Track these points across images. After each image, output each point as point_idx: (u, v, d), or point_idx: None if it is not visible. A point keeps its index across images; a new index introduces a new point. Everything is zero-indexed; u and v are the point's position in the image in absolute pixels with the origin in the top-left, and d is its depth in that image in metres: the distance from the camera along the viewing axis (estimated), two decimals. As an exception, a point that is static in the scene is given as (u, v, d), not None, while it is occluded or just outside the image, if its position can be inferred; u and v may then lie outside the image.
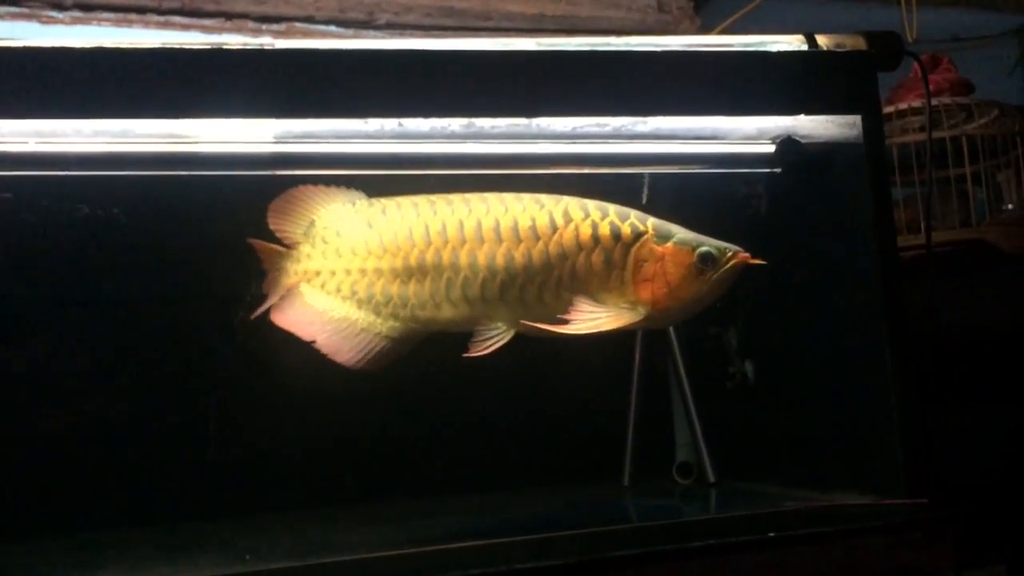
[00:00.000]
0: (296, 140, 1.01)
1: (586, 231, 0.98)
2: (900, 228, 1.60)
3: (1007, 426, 1.57)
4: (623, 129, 1.07)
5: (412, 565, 0.91)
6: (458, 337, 1.02)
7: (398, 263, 0.99)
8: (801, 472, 1.20)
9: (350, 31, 1.74)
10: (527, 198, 1.00)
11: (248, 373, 1.25)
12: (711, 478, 1.28)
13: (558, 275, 0.98)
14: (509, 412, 1.33)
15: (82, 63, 0.89)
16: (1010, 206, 1.74)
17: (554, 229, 0.98)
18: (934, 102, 1.63)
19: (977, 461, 1.50)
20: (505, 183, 1.04)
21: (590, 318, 0.97)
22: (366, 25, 1.77)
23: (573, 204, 1.00)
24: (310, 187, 1.01)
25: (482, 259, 0.98)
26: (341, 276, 1.00)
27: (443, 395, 1.28)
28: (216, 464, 1.23)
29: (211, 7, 1.65)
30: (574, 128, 1.06)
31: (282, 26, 1.69)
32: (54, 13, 1.56)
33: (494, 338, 0.98)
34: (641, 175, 1.23)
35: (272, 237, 1.04)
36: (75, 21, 1.57)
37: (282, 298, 1.02)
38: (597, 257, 0.98)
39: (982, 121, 1.66)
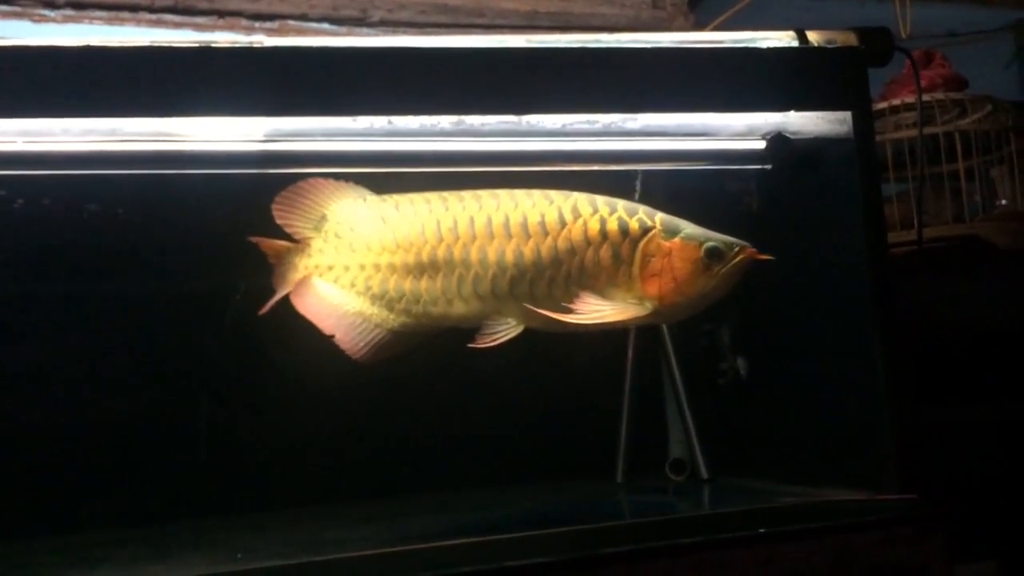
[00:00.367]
0: (285, 138, 1.01)
1: (594, 226, 0.99)
2: (894, 224, 1.60)
3: (999, 422, 1.57)
4: (613, 126, 1.07)
5: (404, 563, 0.92)
6: (451, 335, 1.02)
7: (411, 259, 0.99)
8: (793, 468, 1.21)
9: (344, 29, 1.74)
10: (537, 194, 1.01)
11: (239, 371, 1.25)
12: (704, 474, 1.29)
13: (567, 270, 0.99)
14: (502, 409, 1.33)
15: (70, 62, 0.89)
16: (1003, 201, 1.74)
17: (563, 224, 0.99)
18: (927, 98, 1.63)
19: (969, 457, 1.50)
20: (495, 180, 1.04)
21: (595, 310, 0.97)
22: (360, 23, 1.77)
23: (582, 200, 1.01)
24: (320, 180, 1.02)
25: (492, 255, 0.99)
26: (355, 271, 1.00)
27: (436, 392, 1.28)
28: (208, 462, 1.23)
29: (204, 5, 1.65)
30: (564, 125, 1.06)
31: (275, 24, 1.69)
32: (46, 11, 1.56)
33: (501, 332, 0.98)
34: (633, 172, 1.23)
35: (270, 233, 1.03)
36: (67, 19, 1.56)
37: (301, 288, 1.02)
38: (605, 252, 0.99)
39: (975, 117, 1.66)
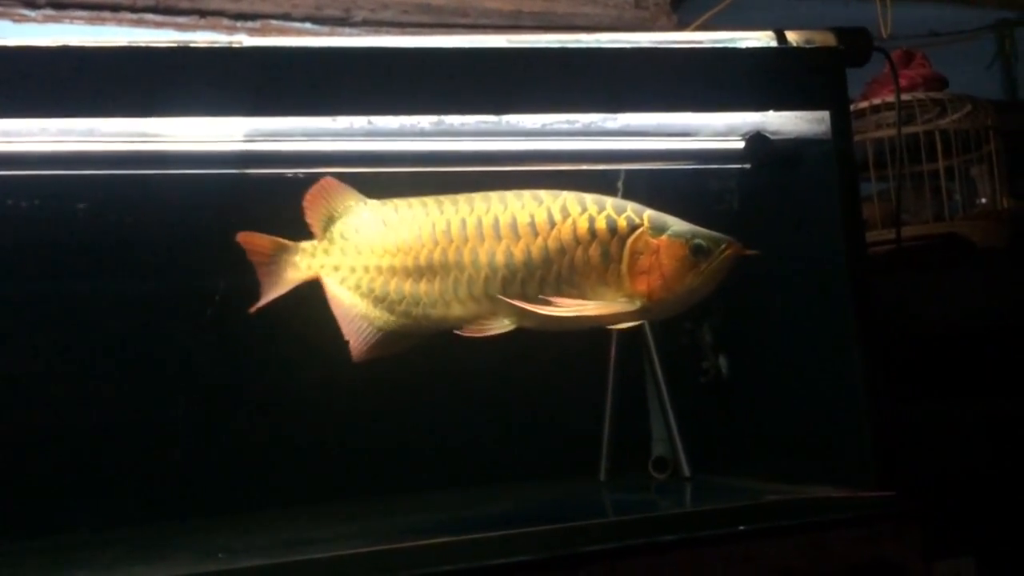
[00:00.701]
0: (265, 138, 1.01)
1: (583, 225, 1.00)
2: (875, 223, 1.60)
3: (977, 419, 1.58)
4: (593, 126, 1.07)
5: (385, 562, 0.91)
6: (437, 335, 1.03)
7: (410, 262, 1.01)
8: (774, 466, 1.21)
9: (326, 28, 1.74)
10: (527, 195, 1.02)
11: (221, 370, 1.25)
12: (686, 473, 1.29)
13: (556, 270, 1.00)
14: (485, 408, 1.33)
15: (48, 62, 0.89)
16: (983, 200, 1.74)
17: (552, 225, 1.00)
18: (908, 97, 1.64)
19: (946, 453, 1.51)
20: (475, 180, 1.04)
21: (580, 303, 0.99)
22: (342, 22, 1.76)
23: (571, 199, 1.01)
24: (332, 181, 1.03)
25: (483, 257, 1.00)
26: (360, 273, 1.02)
27: (418, 392, 1.28)
28: (189, 463, 1.23)
29: (185, 4, 1.64)
30: (544, 125, 1.06)
31: (257, 23, 1.69)
32: (26, 11, 1.55)
33: (490, 324, 1.00)
34: (616, 172, 1.23)
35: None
36: (47, 19, 1.56)
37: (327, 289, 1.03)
38: (594, 251, 1.00)
39: (955, 116, 1.67)
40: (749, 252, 1.01)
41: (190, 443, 1.23)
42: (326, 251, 1.03)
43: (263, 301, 1.03)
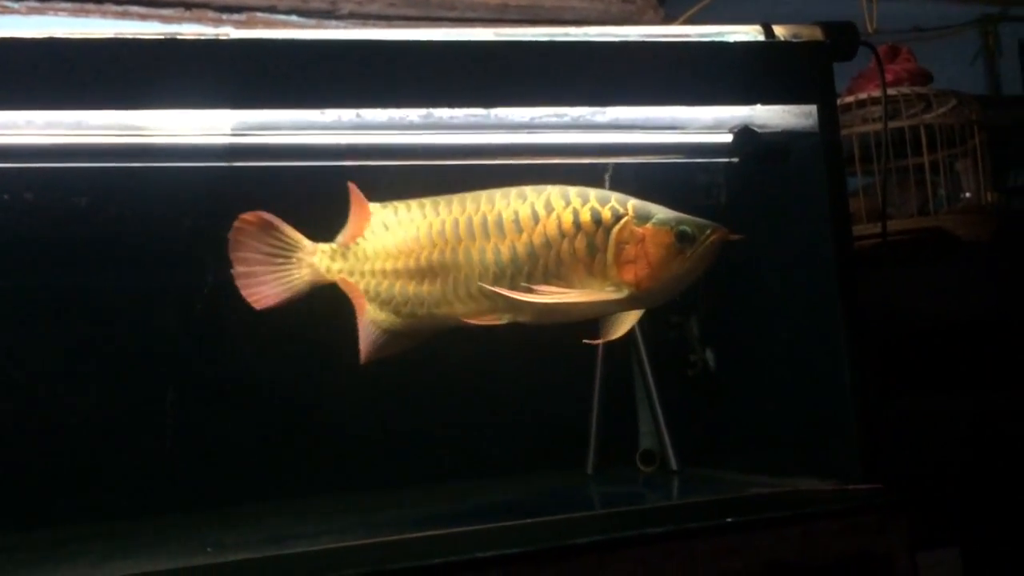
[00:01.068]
0: (253, 131, 1.01)
1: (568, 219, 1.01)
2: (861, 217, 1.61)
3: (961, 412, 1.59)
4: (581, 119, 1.08)
5: (375, 555, 0.92)
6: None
7: (412, 264, 1.03)
8: (761, 458, 1.22)
9: (312, 21, 1.73)
10: (513, 192, 1.03)
11: (207, 365, 1.24)
12: (673, 465, 1.30)
13: (544, 264, 1.01)
14: (473, 402, 1.33)
15: (35, 54, 0.89)
16: (967, 195, 1.75)
17: (536, 220, 1.01)
18: (893, 92, 1.64)
19: (932, 446, 1.52)
20: (464, 173, 1.04)
21: (560, 290, 1.00)
22: (328, 15, 1.76)
23: (555, 193, 1.02)
24: (351, 185, 1.04)
25: (476, 256, 1.01)
26: (368, 277, 1.04)
27: (407, 386, 1.28)
28: (179, 457, 1.23)
29: (171, -4, 1.63)
30: (532, 118, 1.06)
31: (243, 16, 1.68)
32: (9, 3, 1.54)
33: (492, 320, 1.02)
34: (604, 165, 1.23)
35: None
36: (31, 11, 1.54)
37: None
38: (580, 243, 1.00)
39: (940, 111, 1.67)
40: (734, 237, 1.01)
41: (179, 437, 1.23)
42: (343, 256, 1.04)
43: (275, 300, 1.03)
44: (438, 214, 1.03)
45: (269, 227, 1.03)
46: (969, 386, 1.60)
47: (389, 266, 1.04)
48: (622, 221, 1.01)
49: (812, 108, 1.10)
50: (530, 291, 0.99)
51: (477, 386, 1.33)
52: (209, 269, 1.19)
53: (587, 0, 1.95)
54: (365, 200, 1.04)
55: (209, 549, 0.98)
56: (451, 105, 1.00)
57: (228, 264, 1.03)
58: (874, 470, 1.05)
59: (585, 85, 1.04)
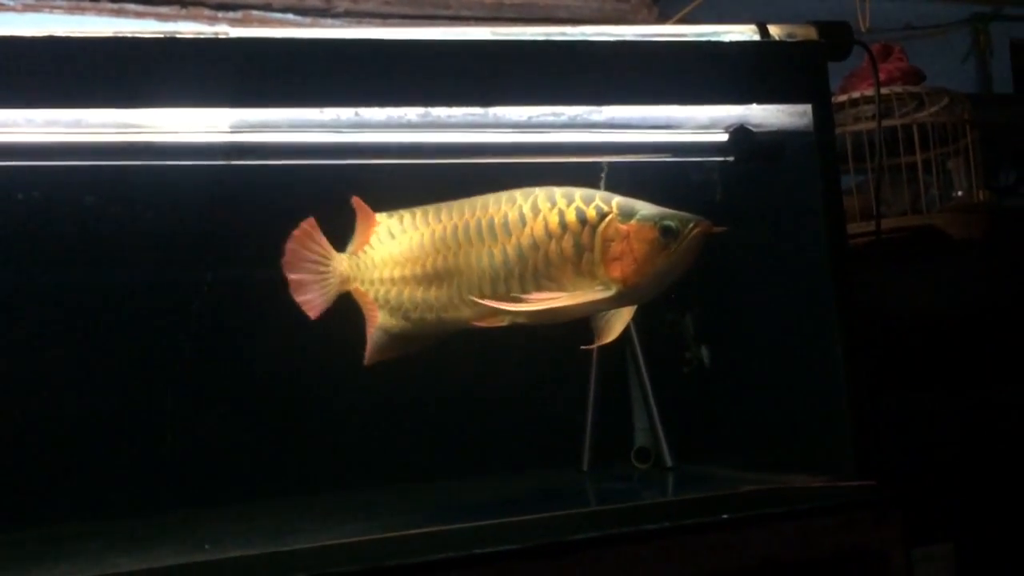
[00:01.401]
0: (252, 130, 1.01)
1: (554, 219, 1.02)
2: (853, 215, 1.62)
3: (954, 409, 1.60)
4: (579, 118, 1.08)
5: (371, 552, 0.92)
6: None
7: (419, 270, 1.06)
8: (756, 455, 1.23)
9: (308, 19, 1.73)
10: (504, 197, 1.05)
11: (206, 362, 1.24)
12: (668, 462, 1.30)
13: (533, 265, 1.02)
14: (467, 398, 1.33)
15: (34, 52, 0.89)
16: (959, 193, 1.77)
17: (524, 223, 1.03)
18: (886, 91, 1.66)
19: (925, 443, 1.53)
20: (462, 172, 1.05)
21: (548, 296, 1.01)
22: (324, 13, 1.76)
23: (542, 195, 1.04)
24: (355, 199, 1.07)
25: (474, 261, 1.04)
26: (378, 286, 1.07)
27: (400, 383, 1.28)
28: (174, 454, 1.23)
29: (166, -6, 1.63)
30: (530, 117, 1.07)
31: (239, 14, 1.68)
32: (5, 0, 1.54)
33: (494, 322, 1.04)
34: (599, 164, 1.24)
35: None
36: (27, 8, 1.54)
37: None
38: (567, 243, 1.02)
39: (932, 109, 1.69)
40: (717, 230, 1.02)
41: (178, 435, 1.23)
42: (357, 265, 1.08)
43: (320, 308, 1.07)
44: (440, 221, 1.05)
45: (314, 236, 1.07)
46: (963, 382, 1.61)
47: (397, 273, 1.06)
48: (607, 219, 1.02)
49: (807, 107, 1.10)
50: (519, 300, 1.01)
51: (472, 384, 1.33)
52: (207, 267, 1.19)
53: (581, -1, 1.95)
54: (370, 211, 1.06)
55: (207, 546, 0.98)
56: (449, 104, 1.01)
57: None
58: (868, 466, 1.06)
59: (582, 84, 1.04)
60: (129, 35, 0.92)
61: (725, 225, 1.03)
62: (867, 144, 1.62)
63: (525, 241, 1.02)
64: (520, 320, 1.03)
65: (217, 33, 0.97)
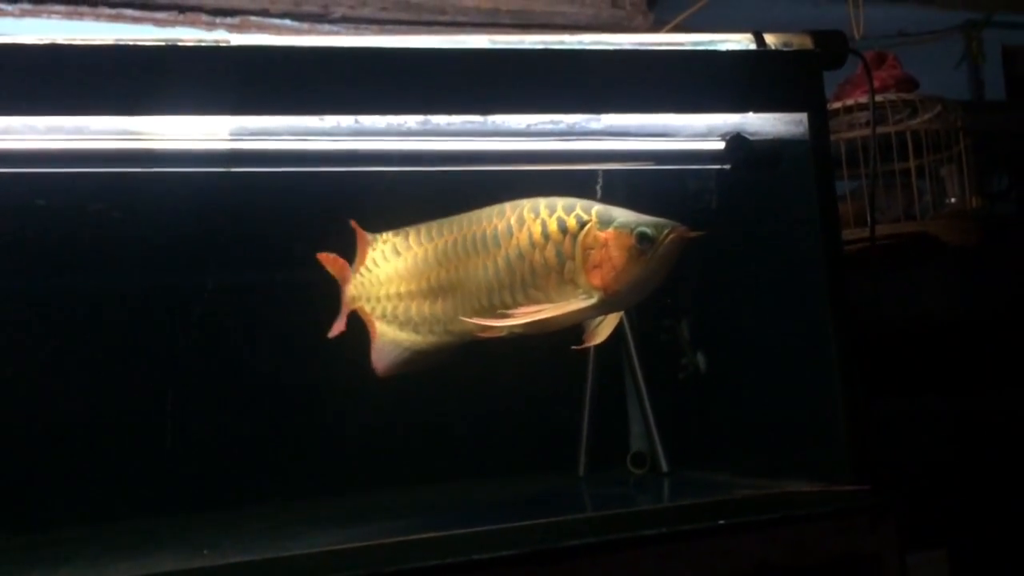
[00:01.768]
0: (252, 137, 1.01)
1: (537, 230, 1.04)
2: (847, 221, 1.63)
3: (948, 414, 1.61)
4: (577, 126, 1.09)
5: (370, 557, 0.92)
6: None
7: (424, 285, 1.09)
8: (751, 460, 1.23)
9: (305, 25, 1.73)
10: (496, 210, 1.07)
11: (206, 368, 1.25)
12: (664, 468, 1.31)
13: (521, 275, 1.04)
14: (465, 405, 1.34)
15: (37, 59, 0.89)
16: (952, 200, 1.77)
17: (511, 234, 1.05)
18: (880, 98, 1.66)
19: (919, 448, 1.54)
20: (461, 180, 1.06)
21: (533, 309, 1.03)
22: (321, 19, 1.76)
23: (528, 207, 1.06)
24: (354, 223, 1.13)
25: (471, 273, 1.06)
26: (385, 302, 1.11)
27: (397, 389, 1.29)
28: (173, 459, 1.23)
29: (164, -1, 1.63)
30: (528, 125, 1.07)
31: (236, 19, 1.68)
32: (3, 5, 1.53)
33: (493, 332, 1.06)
34: (596, 171, 1.25)
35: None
36: (25, 13, 1.54)
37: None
38: (550, 252, 1.03)
39: (926, 117, 1.70)
40: (693, 234, 1.02)
41: (177, 439, 1.23)
42: (361, 284, 1.11)
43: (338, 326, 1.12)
44: (442, 235, 1.08)
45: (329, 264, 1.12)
46: (957, 388, 1.62)
47: (404, 289, 1.10)
48: (586, 228, 1.03)
49: (802, 116, 1.11)
50: (507, 315, 1.03)
51: (469, 389, 1.33)
52: (208, 272, 1.19)
53: (577, 5, 1.95)
54: (364, 233, 1.12)
55: (205, 551, 0.99)
56: (449, 112, 1.02)
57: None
58: (863, 471, 1.07)
59: (580, 93, 1.05)
60: (131, 42, 0.92)
61: (722, 231, 1.04)
62: (861, 151, 1.63)
63: (512, 252, 1.04)
64: (517, 330, 1.05)
65: (218, 40, 0.97)
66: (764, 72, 1.11)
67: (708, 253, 1.23)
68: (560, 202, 1.05)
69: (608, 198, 1.12)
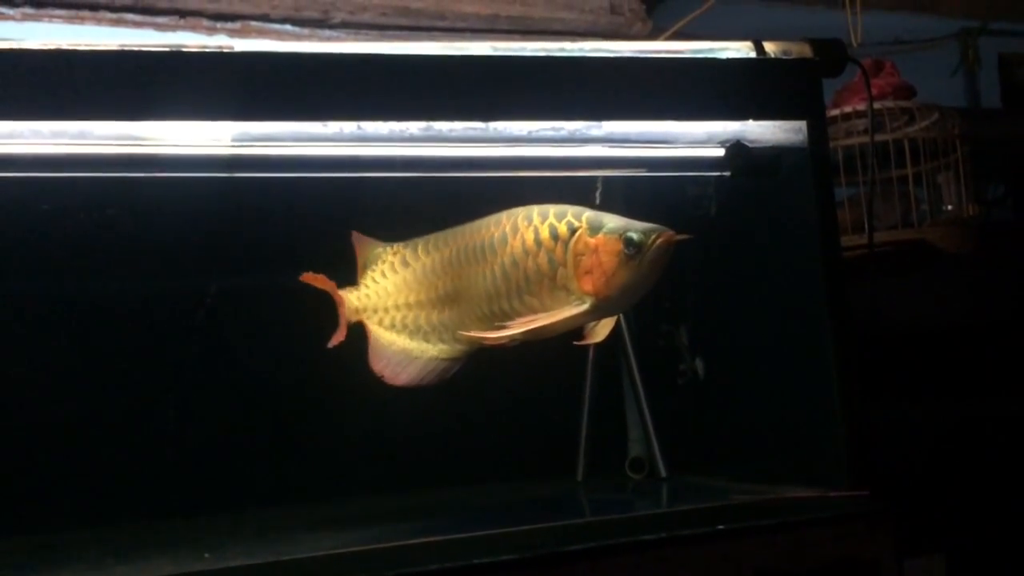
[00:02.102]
0: (255, 143, 1.02)
1: (530, 237, 1.05)
2: (845, 228, 1.63)
3: (946, 420, 1.61)
4: (577, 133, 1.09)
5: (370, 561, 0.93)
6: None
7: (432, 295, 1.11)
8: (750, 466, 1.24)
9: (305, 30, 1.74)
10: (493, 219, 1.09)
11: (207, 372, 1.25)
12: (663, 473, 1.31)
13: (516, 282, 1.06)
14: (463, 409, 1.34)
15: (41, 65, 0.89)
16: (949, 207, 1.78)
17: (506, 242, 1.06)
18: (878, 105, 1.67)
19: (917, 454, 1.55)
20: (463, 185, 1.06)
21: (528, 319, 1.05)
22: (321, 24, 1.76)
23: (522, 215, 1.07)
24: (355, 233, 1.15)
25: (473, 281, 1.08)
26: (393, 312, 1.12)
27: (397, 394, 1.29)
28: (175, 463, 1.23)
29: (164, 4, 1.63)
30: (530, 132, 1.08)
31: (237, 24, 1.68)
32: (4, 9, 1.53)
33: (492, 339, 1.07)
34: (595, 178, 1.25)
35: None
36: (26, 17, 1.54)
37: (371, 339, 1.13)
38: (543, 259, 1.05)
39: (923, 124, 1.70)
40: (680, 238, 1.03)
41: (178, 443, 1.24)
42: (367, 296, 1.12)
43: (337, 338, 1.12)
44: (448, 245, 1.10)
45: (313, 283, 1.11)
46: (954, 394, 1.62)
47: (413, 299, 1.12)
48: (577, 234, 1.04)
49: (802, 124, 1.12)
50: (502, 327, 1.04)
51: (468, 394, 1.33)
52: (211, 276, 1.20)
53: (576, 12, 1.96)
54: (367, 241, 1.14)
55: (207, 555, 0.99)
56: (451, 118, 1.02)
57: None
58: (861, 477, 1.07)
59: (581, 100, 1.05)
60: (135, 48, 0.93)
61: (716, 237, 1.05)
62: (859, 158, 1.64)
63: (508, 260, 1.05)
64: (517, 339, 1.06)
65: (221, 47, 0.98)
66: (763, 80, 1.12)
67: (707, 259, 1.23)
68: (552, 209, 1.06)
69: (608, 205, 1.13)
